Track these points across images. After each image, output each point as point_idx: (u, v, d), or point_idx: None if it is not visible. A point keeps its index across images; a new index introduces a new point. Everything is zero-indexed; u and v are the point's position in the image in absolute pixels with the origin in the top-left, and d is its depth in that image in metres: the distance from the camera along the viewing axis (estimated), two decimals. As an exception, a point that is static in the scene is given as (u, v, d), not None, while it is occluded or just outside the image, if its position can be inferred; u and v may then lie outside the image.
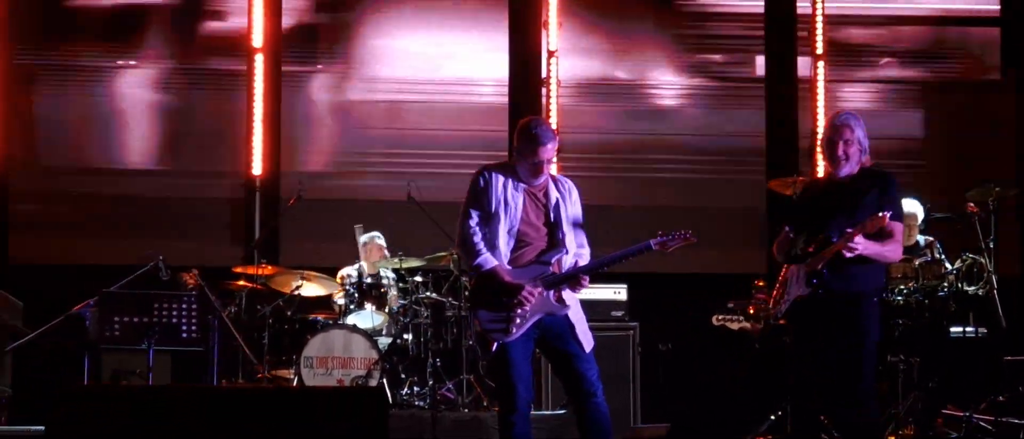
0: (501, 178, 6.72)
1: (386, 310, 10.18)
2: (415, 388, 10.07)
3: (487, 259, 6.63)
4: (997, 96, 12.19)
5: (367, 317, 10.08)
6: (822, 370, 6.78)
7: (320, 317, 10.13)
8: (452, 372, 10.16)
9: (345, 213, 11.46)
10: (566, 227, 6.75)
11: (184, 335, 7.75)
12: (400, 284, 10.37)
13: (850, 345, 6.76)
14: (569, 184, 6.87)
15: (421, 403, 9.79)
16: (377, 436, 5.68)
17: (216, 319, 9.05)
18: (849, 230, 6.67)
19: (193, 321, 7.87)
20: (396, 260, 10.29)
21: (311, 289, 10.26)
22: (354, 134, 11.84)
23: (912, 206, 9.78)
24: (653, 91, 12.22)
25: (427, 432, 9.13)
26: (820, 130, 11.76)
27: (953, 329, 9.30)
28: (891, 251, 6.83)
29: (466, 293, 10.02)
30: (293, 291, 10.12)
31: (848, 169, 6.88)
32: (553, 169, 6.98)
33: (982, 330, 9.28)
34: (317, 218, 11.35)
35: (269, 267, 10.13)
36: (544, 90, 11.92)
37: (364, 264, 10.54)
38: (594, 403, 6.70)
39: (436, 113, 11.88)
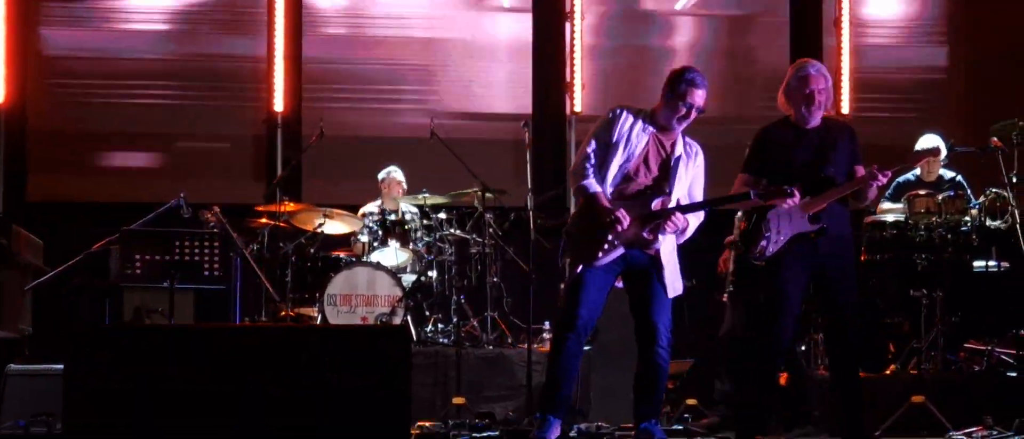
0: (631, 117, 6.86)
1: (410, 247, 10.18)
2: (439, 325, 10.09)
3: (592, 183, 6.77)
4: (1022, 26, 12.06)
5: (391, 254, 10.07)
6: (795, 319, 7.09)
7: (343, 254, 10.13)
8: (477, 309, 10.17)
9: (368, 150, 11.47)
10: (679, 181, 6.85)
11: (206, 273, 7.74)
12: (424, 221, 10.37)
13: (846, 286, 7.08)
14: (697, 147, 6.98)
15: (445, 340, 9.81)
16: (400, 374, 5.69)
17: (238, 257, 9.06)
18: (875, 167, 6.90)
19: (215, 259, 7.86)
20: (420, 197, 10.28)
21: (334, 226, 10.25)
22: (376, 70, 11.80)
23: (934, 141, 9.73)
24: (673, 24, 12.12)
25: (451, 369, 9.16)
26: (844, 69, 11.80)
27: (976, 263, 9.28)
28: (874, 193, 7.17)
29: (490, 229, 10.02)
30: (316, 228, 10.12)
31: (816, 120, 7.07)
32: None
33: (1005, 264, 9.26)
34: (340, 155, 11.34)
35: (291, 204, 10.10)
36: (568, 25, 11.85)
37: (384, 200, 10.53)
38: (656, 351, 6.83)
39: (458, 48, 11.82)
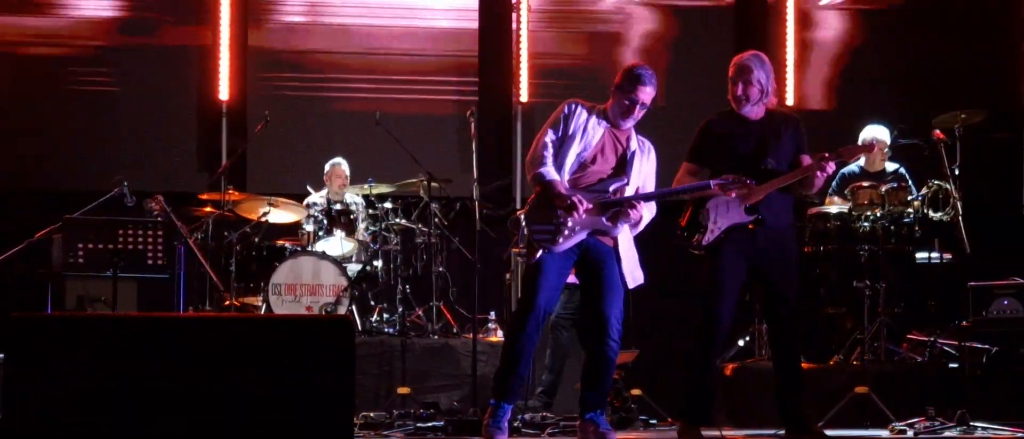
0: (586, 112, 6.92)
1: (355, 236, 10.15)
2: (384, 315, 10.07)
3: (549, 171, 6.80)
4: (966, 19, 12.16)
5: (336, 244, 10.04)
6: (733, 306, 7.12)
7: (288, 244, 10.09)
8: (422, 299, 10.16)
9: (313, 139, 11.41)
10: (634, 174, 6.89)
11: (150, 262, 7.67)
12: (369, 211, 10.33)
13: (786, 277, 7.13)
14: (650, 146, 7.03)
15: (390, 330, 9.80)
16: (345, 363, 5.66)
17: (183, 246, 8.99)
18: (826, 154, 6.96)
19: (159, 248, 7.79)
20: (365, 186, 10.24)
21: (279, 215, 10.21)
22: (322, 57, 11.73)
23: (879, 132, 9.81)
24: (615, 16, 12.12)
25: (396, 359, 9.15)
26: (788, 61, 11.85)
27: (918, 255, 9.37)
28: (820, 183, 7.18)
29: (436, 219, 10.01)
30: (261, 217, 10.07)
31: (751, 110, 7.11)
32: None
33: (947, 256, 9.35)
34: (285, 144, 11.28)
35: (236, 193, 10.06)
36: (514, 15, 11.83)
37: (329, 191, 10.49)
38: (607, 343, 6.86)
39: (405, 37, 11.78)
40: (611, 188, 6.83)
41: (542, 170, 6.81)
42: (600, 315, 6.85)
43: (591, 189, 6.82)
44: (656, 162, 7.01)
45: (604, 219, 6.80)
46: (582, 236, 6.81)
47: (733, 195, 6.96)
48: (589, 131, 6.85)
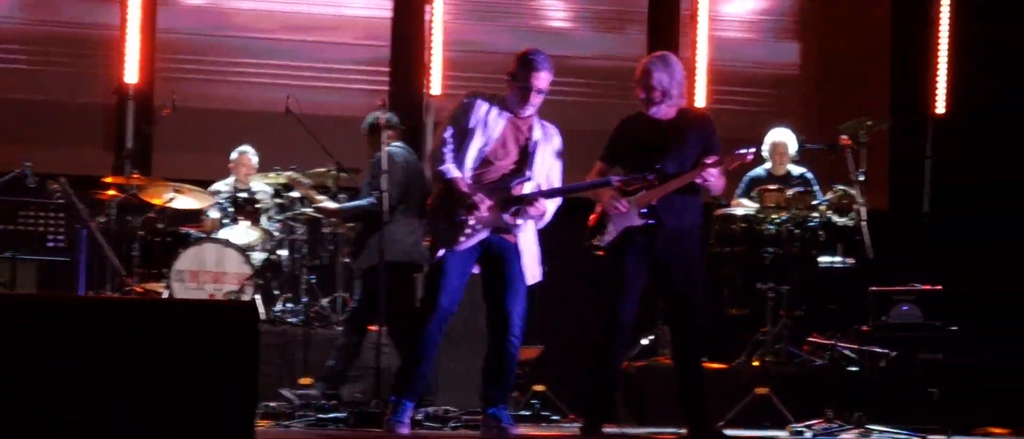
0: (486, 104, 6.84)
1: (261, 225, 10.06)
2: (288, 305, 9.99)
3: (450, 168, 6.74)
4: (874, 26, 12.32)
5: (241, 232, 9.95)
6: (635, 305, 7.14)
7: (193, 231, 9.97)
8: (327, 290, 10.09)
9: (221, 125, 11.29)
10: (538, 163, 6.85)
11: (50, 244, 7.57)
12: (276, 199, 10.25)
13: (687, 277, 7.13)
14: (554, 130, 6.97)
15: (294, 320, 9.72)
16: (247, 349, 5.59)
17: (85, 229, 8.87)
18: (708, 160, 6.97)
19: (60, 230, 7.68)
20: (272, 174, 10.16)
21: (184, 202, 10.08)
22: (233, 43, 11.61)
23: (784, 136, 9.92)
24: (540, 11, 12.14)
25: (299, 349, 9.08)
26: (699, 61, 11.94)
27: (821, 259, 9.48)
28: (721, 186, 7.18)
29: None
30: (165, 203, 9.95)
31: (660, 110, 7.13)
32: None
33: (850, 260, 9.46)
34: (192, 129, 11.14)
35: (140, 178, 9.93)
36: (427, 6, 11.79)
37: (236, 180, 10.39)
38: (508, 340, 6.85)
39: (317, 25, 11.70)
40: (514, 186, 6.80)
41: (442, 168, 6.76)
42: (502, 311, 6.84)
43: (494, 185, 6.80)
44: (562, 145, 6.97)
45: (506, 216, 6.78)
46: (484, 234, 6.78)
47: (629, 193, 6.98)
48: (490, 125, 6.80)
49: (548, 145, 6.92)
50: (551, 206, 6.88)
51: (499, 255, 6.84)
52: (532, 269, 6.90)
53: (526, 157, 6.85)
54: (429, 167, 6.88)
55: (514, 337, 6.84)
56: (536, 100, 6.83)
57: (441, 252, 6.78)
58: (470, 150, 6.78)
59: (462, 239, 6.74)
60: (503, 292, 6.84)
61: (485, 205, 6.70)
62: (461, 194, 6.71)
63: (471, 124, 6.79)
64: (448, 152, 6.77)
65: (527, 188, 6.82)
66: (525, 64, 6.80)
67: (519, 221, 6.80)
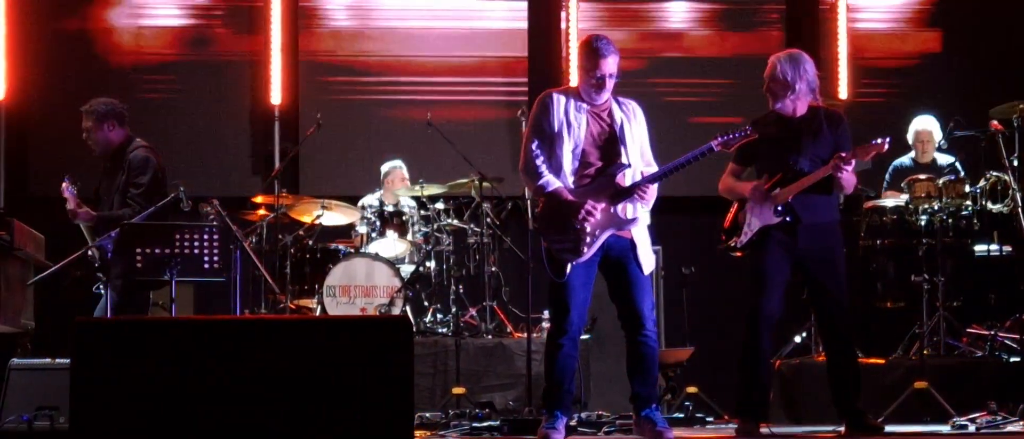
0: (563, 100, 6.76)
1: (408, 238, 10.16)
2: (438, 315, 10.07)
3: (549, 181, 6.66)
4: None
5: (389, 245, 10.06)
6: (779, 301, 7.12)
7: (342, 246, 10.12)
8: (475, 299, 10.16)
9: (365, 142, 11.44)
10: (631, 146, 6.76)
11: (206, 266, 7.69)
12: (421, 212, 10.35)
13: (830, 273, 7.13)
14: (634, 105, 6.88)
15: (444, 330, 9.80)
16: (403, 364, 5.65)
17: (238, 249, 9.04)
18: (843, 154, 6.94)
19: (215, 252, 7.81)
20: (417, 188, 10.26)
21: (332, 218, 10.24)
22: (372, 62, 11.77)
23: (928, 123, 9.75)
24: (667, 13, 12.09)
25: (450, 359, 9.15)
26: (841, 56, 11.79)
27: (977, 248, 9.28)
28: (852, 183, 7.16)
29: (488, 219, 10.00)
30: (314, 220, 10.11)
31: (789, 107, 7.13)
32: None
33: (1007, 248, 9.26)
34: (336, 147, 11.32)
35: (289, 196, 10.11)
36: (563, 13, 11.81)
37: (386, 194, 10.51)
38: (643, 336, 6.78)
39: (455, 38, 11.80)
40: (618, 177, 6.69)
41: (541, 182, 6.68)
42: (631, 310, 6.77)
43: (597, 184, 6.71)
44: (644, 113, 6.86)
45: (619, 211, 6.70)
46: (606, 236, 6.71)
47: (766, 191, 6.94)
48: (573, 121, 6.70)
49: (633, 122, 6.80)
50: (652, 189, 6.77)
51: (620, 256, 6.75)
52: (648, 259, 6.79)
53: (616, 143, 6.75)
54: (524, 181, 6.80)
55: (648, 333, 6.77)
56: (609, 85, 6.73)
57: (568, 269, 6.70)
58: (563, 155, 6.70)
59: (585, 249, 6.66)
60: (630, 292, 6.76)
61: (599, 208, 6.64)
62: (570, 204, 6.62)
63: (555, 127, 6.70)
64: (541, 163, 6.68)
65: (628, 176, 6.72)
66: (592, 53, 6.68)
67: (631, 215, 6.70)
